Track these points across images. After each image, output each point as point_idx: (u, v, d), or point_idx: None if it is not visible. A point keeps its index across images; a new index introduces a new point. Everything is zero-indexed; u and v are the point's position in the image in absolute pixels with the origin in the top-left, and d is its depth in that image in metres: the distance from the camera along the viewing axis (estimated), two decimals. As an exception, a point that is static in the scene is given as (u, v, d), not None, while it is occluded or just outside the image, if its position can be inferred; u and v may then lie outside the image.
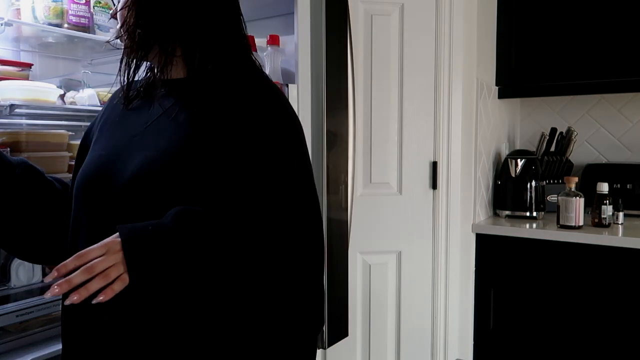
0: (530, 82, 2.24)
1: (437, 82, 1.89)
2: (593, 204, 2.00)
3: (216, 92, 0.83)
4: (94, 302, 0.64)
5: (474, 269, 2.11)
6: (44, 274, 1.32)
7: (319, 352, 1.68)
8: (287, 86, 1.52)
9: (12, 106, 1.22)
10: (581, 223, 1.96)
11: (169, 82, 0.87)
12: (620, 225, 1.99)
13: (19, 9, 1.43)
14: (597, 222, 1.98)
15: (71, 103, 1.49)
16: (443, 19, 1.88)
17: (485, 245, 2.08)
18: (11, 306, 1.13)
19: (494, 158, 2.32)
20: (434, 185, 1.91)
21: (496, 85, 2.29)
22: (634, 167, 2.22)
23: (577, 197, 1.96)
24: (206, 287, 0.74)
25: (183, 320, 0.76)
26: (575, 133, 2.28)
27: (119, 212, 0.79)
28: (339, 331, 1.63)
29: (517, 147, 2.59)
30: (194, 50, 0.84)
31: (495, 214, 2.30)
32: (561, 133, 2.31)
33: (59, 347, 1.15)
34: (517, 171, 2.18)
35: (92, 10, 1.47)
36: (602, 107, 2.42)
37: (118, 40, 0.88)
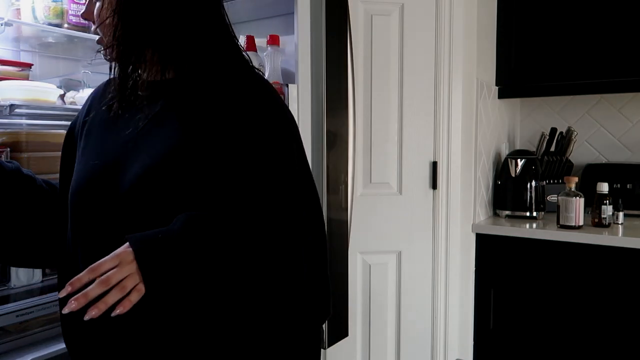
0: (530, 82, 2.24)
1: (437, 82, 1.89)
2: (593, 204, 2.00)
3: (206, 92, 0.82)
4: (113, 314, 0.64)
5: (474, 269, 2.11)
6: (44, 274, 1.33)
7: (319, 352, 1.68)
8: (287, 86, 1.52)
9: (12, 106, 1.22)
10: (581, 223, 1.96)
11: (154, 84, 0.85)
12: (620, 225, 1.99)
13: (19, 9, 1.43)
14: (597, 222, 1.98)
15: (71, 103, 1.49)
16: (443, 19, 1.87)
17: (485, 245, 2.08)
18: (11, 306, 1.13)
19: (494, 158, 2.32)
20: (434, 185, 1.91)
21: (496, 85, 2.29)
22: (634, 167, 2.22)
23: (577, 197, 1.96)
24: (217, 289, 0.74)
25: (193, 320, 0.77)
26: (575, 133, 2.28)
27: (121, 220, 0.78)
28: (339, 331, 1.63)
29: (517, 147, 2.59)
30: (179, 51, 0.83)
31: (495, 214, 2.30)
32: (561, 133, 2.31)
33: (59, 347, 1.15)
34: (517, 171, 2.18)
35: (92, 10, 1.47)
36: (602, 107, 2.42)
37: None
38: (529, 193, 2.16)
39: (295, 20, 1.53)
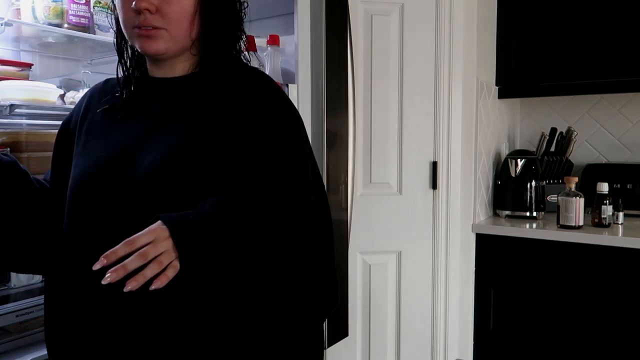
0: (530, 82, 2.24)
1: (437, 82, 1.89)
2: (593, 204, 2.00)
3: (219, 88, 0.85)
4: (151, 288, 0.63)
5: (474, 269, 2.10)
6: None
7: (319, 352, 1.68)
8: (287, 86, 1.53)
9: (12, 106, 1.22)
10: (581, 223, 1.96)
11: (166, 80, 0.88)
12: (620, 225, 1.99)
13: (19, 9, 1.43)
14: (597, 222, 1.98)
15: (71, 103, 1.49)
16: (443, 19, 1.88)
17: (485, 245, 2.08)
18: (11, 306, 1.13)
19: (494, 158, 2.32)
20: (434, 185, 1.91)
21: (496, 85, 2.29)
22: (634, 167, 2.22)
23: (577, 197, 1.95)
24: (243, 272, 0.74)
25: (213, 305, 0.78)
26: (575, 133, 2.28)
27: (135, 209, 0.78)
28: (339, 331, 1.63)
29: (517, 147, 2.59)
30: (210, 48, 0.86)
31: (495, 214, 2.30)
32: (561, 133, 2.31)
33: (59, 347, 1.15)
34: (517, 171, 2.18)
35: (92, 10, 1.47)
36: (602, 107, 2.42)
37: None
38: (529, 193, 2.16)
39: (295, 20, 1.53)
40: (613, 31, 2.04)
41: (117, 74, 0.91)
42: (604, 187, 1.98)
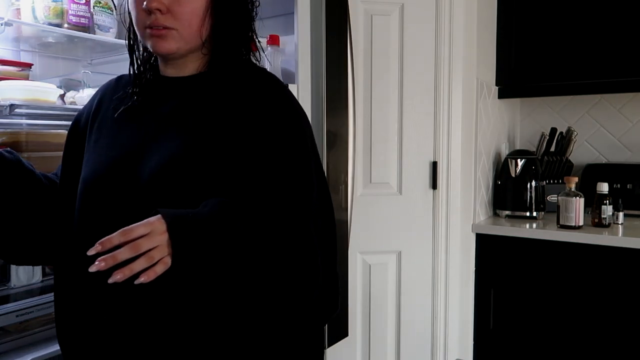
0: (530, 82, 2.24)
1: (437, 82, 1.89)
2: (593, 204, 2.00)
3: (227, 88, 0.85)
4: (136, 282, 0.63)
5: (474, 269, 2.10)
6: (44, 274, 1.33)
7: (319, 352, 1.68)
8: (287, 86, 1.52)
9: (12, 106, 1.22)
10: (581, 223, 1.96)
11: (175, 80, 0.88)
12: (620, 225, 1.99)
13: (19, 9, 1.43)
14: (597, 222, 1.98)
15: (71, 103, 1.49)
16: (443, 19, 1.87)
17: (485, 245, 2.08)
18: (11, 306, 1.13)
19: (494, 158, 2.32)
20: (434, 185, 1.91)
21: (496, 85, 2.29)
22: (634, 167, 2.22)
23: (577, 197, 1.95)
24: (239, 274, 0.74)
25: (208, 305, 0.77)
26: (575, 133, 2.28)
27: (140, 210, 0.78)
28: (339, 331, 1.63)
29: (517, 147, 2.59)
30: (220, 48, 0.87)
31: (495, 214, 2.30)
32: (561, 133, 2.31)
33: (58, 347, 1.15)
34: (517, 171, 2.18)
35: (92, 10, 1.47)
36: (602, 107, 2.42)
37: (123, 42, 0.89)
38: (529, 193, 2.16)
39: (295, 20, 1.53)
40: (613, 31, 2.04)
41: (130, 72, 0.92)
42: (604, 187, 1.98)
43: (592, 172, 2.26)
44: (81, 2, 1.43)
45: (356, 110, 1.67)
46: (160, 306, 0.77)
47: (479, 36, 2.04)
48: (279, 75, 1.62)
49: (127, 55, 0.91)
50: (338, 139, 1.59)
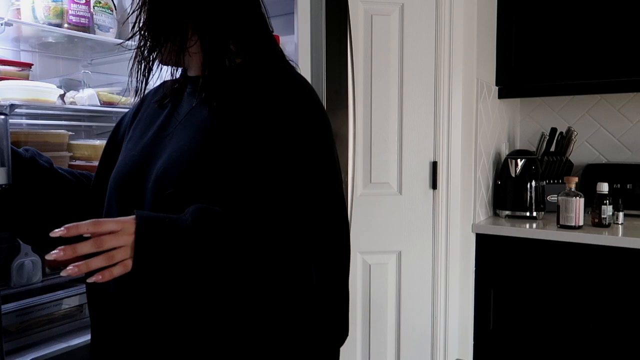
0: (530, 82, 2.24)
1: (437, 82, 1.89)
2: (593, 204, 2.00)
3: (240, 86, 0.83)
4: (88, 280, 0.62)
5: (474, 269, 2.11)
6: (44, 274, 1.32)
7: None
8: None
9: (12, 106, 1.22)
10: (581, 223, 1.96)
11: (195, 79, 0.88)
12: (620, 225, 1.99)
13: (19, 8, 1.43)
14: (597, 222, 1.98)
15: (71, 103, 1.48)
16: (443, 19, 1.88)
17: (485, 245, 2.08)
18: (11, 306, 1.13)
19: (494, 158, 2.32)
20: (434, 185, 1.91)
21: (496, 85, 2.29)
22: (634, 167, 2.22)
23: (577, 197, 1.96)
24: (214, 291, 0.71)
25: (182, 324, 0.75)
26: (575, 133, 2.28)
27: (147, 210, 0.79)
28: (339, 331, 1.63)
29: (517, 147, 2.59)
30: (210, 44, 0.84)
31: (495, 214, 2.30)
32: (561, 133, 2.31)
33: (59, 347, 1.15)
34: (517, 171, 2.18)
35: (92, 10, 1.47)
36: (602, 107, 2.42)
37: (130, 42, 0.89)
38: (529, 193, 2.16)
39: (295, 20, 1.53)
40: (613, 31, 2.04)
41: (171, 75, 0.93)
42: (604, 187, 1.98)
43: (592, 172, 2.26)
44: (81, 2, 1.43)
45: (356, 110, 1.67)
46: (148, 307, 0.77)
47: (479, 36, 2.04)
48: (279, 75, 1.62)
49: (127, 55, 0.91)
50: (338, 139, 1.59)
